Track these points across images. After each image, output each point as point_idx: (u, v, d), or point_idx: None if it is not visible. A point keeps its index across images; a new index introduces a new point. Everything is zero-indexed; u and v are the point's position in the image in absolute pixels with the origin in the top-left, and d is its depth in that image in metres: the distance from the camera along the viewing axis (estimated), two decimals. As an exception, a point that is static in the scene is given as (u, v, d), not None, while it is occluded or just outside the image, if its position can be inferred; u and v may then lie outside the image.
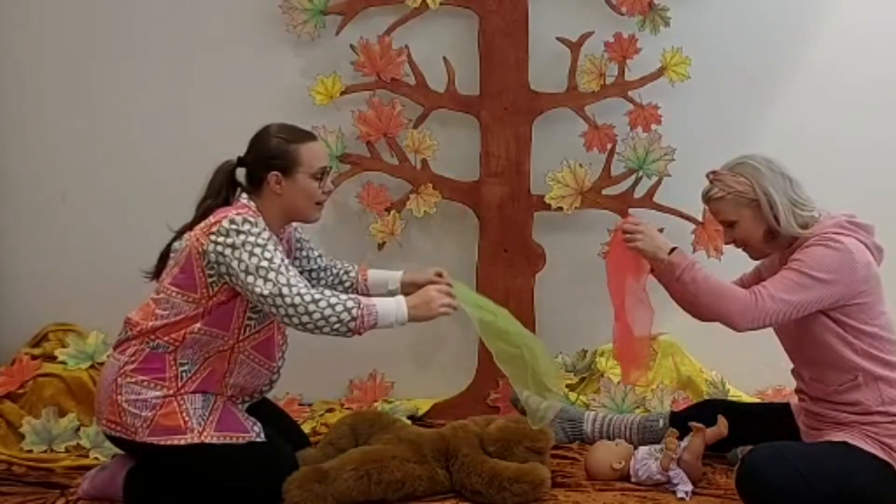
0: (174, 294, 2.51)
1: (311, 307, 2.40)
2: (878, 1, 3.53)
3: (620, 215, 3.41)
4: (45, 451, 3.07)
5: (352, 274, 2.89)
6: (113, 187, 3.45)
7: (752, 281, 2.68)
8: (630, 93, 3.39)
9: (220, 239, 2.44)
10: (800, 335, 2.51)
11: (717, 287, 2.46)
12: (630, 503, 2.63)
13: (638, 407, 3.35)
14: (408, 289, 2.76)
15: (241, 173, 2.63)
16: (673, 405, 3.31)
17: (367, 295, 2.79)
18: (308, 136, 2.63)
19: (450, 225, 3.53)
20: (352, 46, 3.33)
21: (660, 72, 3.39)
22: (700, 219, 3.40)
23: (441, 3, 3.32)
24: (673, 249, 2.54)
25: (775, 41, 3.51)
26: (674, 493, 2.67)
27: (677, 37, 3.39)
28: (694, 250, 3.40)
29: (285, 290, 2.41)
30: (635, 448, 2.85)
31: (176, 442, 2.49)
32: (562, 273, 3.53)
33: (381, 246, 3.43)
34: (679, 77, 3.40)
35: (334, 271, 2.88)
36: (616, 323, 2.72)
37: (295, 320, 2.41)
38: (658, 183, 3.41)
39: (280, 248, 2.50)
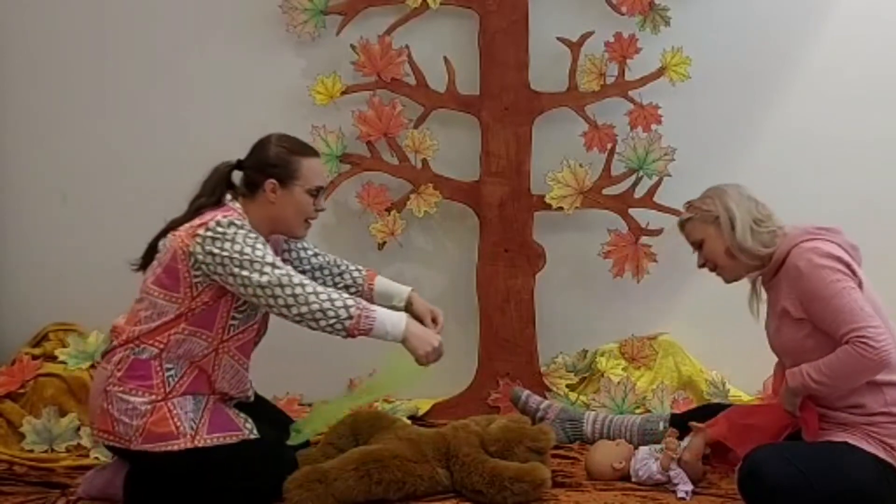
0: (157, 294, 2.51)
1: (311, 297, 2.40)
2: (878, 1, 3.53)
3: (620, 215, 3.42)
4: (45, 451, 3.07)
5: (358, 280, 2.85)
6: (113, 187, 3.45)
7: (786, 347, 2.59)
8: (630, 93, 3.39)
9: (208, 239, 2.44)
10: (804, 354, 2.48)
11: (835, 368, 2.38)
12: (630, 503, 2.64)
13: (638, 407, 3.35)
14: (409, 309, 2.76)
15: (237, 176, 2.62)
16: (673, 405, 3.31)
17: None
18: (311, 152, 2.65)
19: (450, 225, 3.53)
20: (352, 46, 3.33)
21: (660, 72, 3.39)
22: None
23: (441, 3, 3.32)
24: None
25: (775, 41, 3.51)
26: (674, 493, 2.67)
27: (677, 37, 3.39)
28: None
29: (285, 280, 2.41)
30: (635, 448, 2.85)
31: (170, 448, 2.49)
32: (562, 273, 3.53)
33: (381, 246, 3.43)
34: (679, 77, 3.39)
35: (335, 271, 2.85)
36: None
37: (294, 311, 2.41)
38: (658, 183, 3.41)
39: (269, 247, 2.50)
